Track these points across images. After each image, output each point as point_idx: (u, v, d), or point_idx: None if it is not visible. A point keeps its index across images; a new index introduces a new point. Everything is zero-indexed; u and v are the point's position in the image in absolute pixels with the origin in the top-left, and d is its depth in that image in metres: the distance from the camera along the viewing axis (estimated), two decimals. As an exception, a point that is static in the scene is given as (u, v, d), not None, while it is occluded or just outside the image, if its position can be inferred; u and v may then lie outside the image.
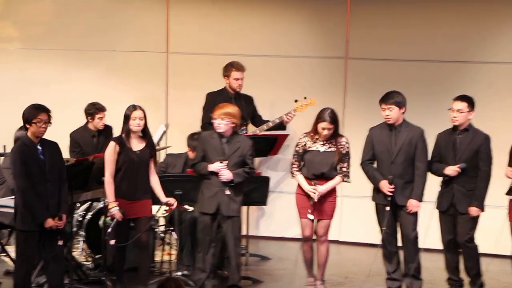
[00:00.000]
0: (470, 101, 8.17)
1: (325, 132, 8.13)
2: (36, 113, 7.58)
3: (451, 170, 8.04)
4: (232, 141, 8.19)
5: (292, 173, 8.32)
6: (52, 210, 7.64)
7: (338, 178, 8.24)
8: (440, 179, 8.19)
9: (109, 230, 8.19)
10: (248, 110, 9.73)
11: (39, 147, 7.67)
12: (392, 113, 8.11)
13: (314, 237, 8.46)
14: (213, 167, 8.09)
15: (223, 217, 8.10)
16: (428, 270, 8.69)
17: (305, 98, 9.58)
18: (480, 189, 8.08)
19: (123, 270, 8.17)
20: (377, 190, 8.21)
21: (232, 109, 8.25)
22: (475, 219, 8.09)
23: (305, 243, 8.38)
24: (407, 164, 8.14)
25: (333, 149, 8.18)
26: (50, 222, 7.57)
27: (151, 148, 8.15)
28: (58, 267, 7.84)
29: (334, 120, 8.15)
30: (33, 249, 7.70)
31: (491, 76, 10.12)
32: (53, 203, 7.66)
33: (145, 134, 8.13)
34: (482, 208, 8.07)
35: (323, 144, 8.19)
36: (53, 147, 7.80)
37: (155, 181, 8.12)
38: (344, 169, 8.27)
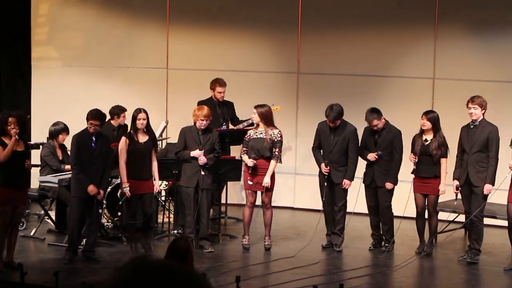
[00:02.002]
0: (379, 114, 9.07)
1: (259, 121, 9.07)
2: (91, 118, 8.56)
3: (371, 156, 9.18)
4: (205, 133, 9.09)
5: (241, 155, 9.34)
6: (95, 185, 8.52)
7: (273, 162, 9.08)
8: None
9: (120, 203, 9.20)
10: (228, 113, 10.65)
11: (93, 138, 8.54)
12: (337, 124, 9.18)
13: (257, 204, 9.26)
14: (194, 153, 9.00)
15: (201, 189, 9.02)
16: (357, 228, 9.82)
17: (273, 104, 9.96)
18: (394, 170, 9.18)
19: (134, 232, 9.02)
20: (320, 170, 9.23)
21: (208, 110, 9.15)
22: (391, 191, 9.18)
23: (248, 208, 9.17)
24: (341, 154, 9.21)
25: (264, 136, 9.09)
26: (92, 188, 8.47)
27: (152, 141, 8.97)
28: (95, 228, 8.78)
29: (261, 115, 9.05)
30: (80, 211, 8.58)
31: (401, 87, 10.93)
32: (97, 181, 8.54)
33: (148, 130, 8.92)
34: (395, 183, 9.16)
35: (260, 133, 9.14)
36: (105, 140, 8.69)
37: (154, 165, 8.94)
38: (277, 153, 9.10)
